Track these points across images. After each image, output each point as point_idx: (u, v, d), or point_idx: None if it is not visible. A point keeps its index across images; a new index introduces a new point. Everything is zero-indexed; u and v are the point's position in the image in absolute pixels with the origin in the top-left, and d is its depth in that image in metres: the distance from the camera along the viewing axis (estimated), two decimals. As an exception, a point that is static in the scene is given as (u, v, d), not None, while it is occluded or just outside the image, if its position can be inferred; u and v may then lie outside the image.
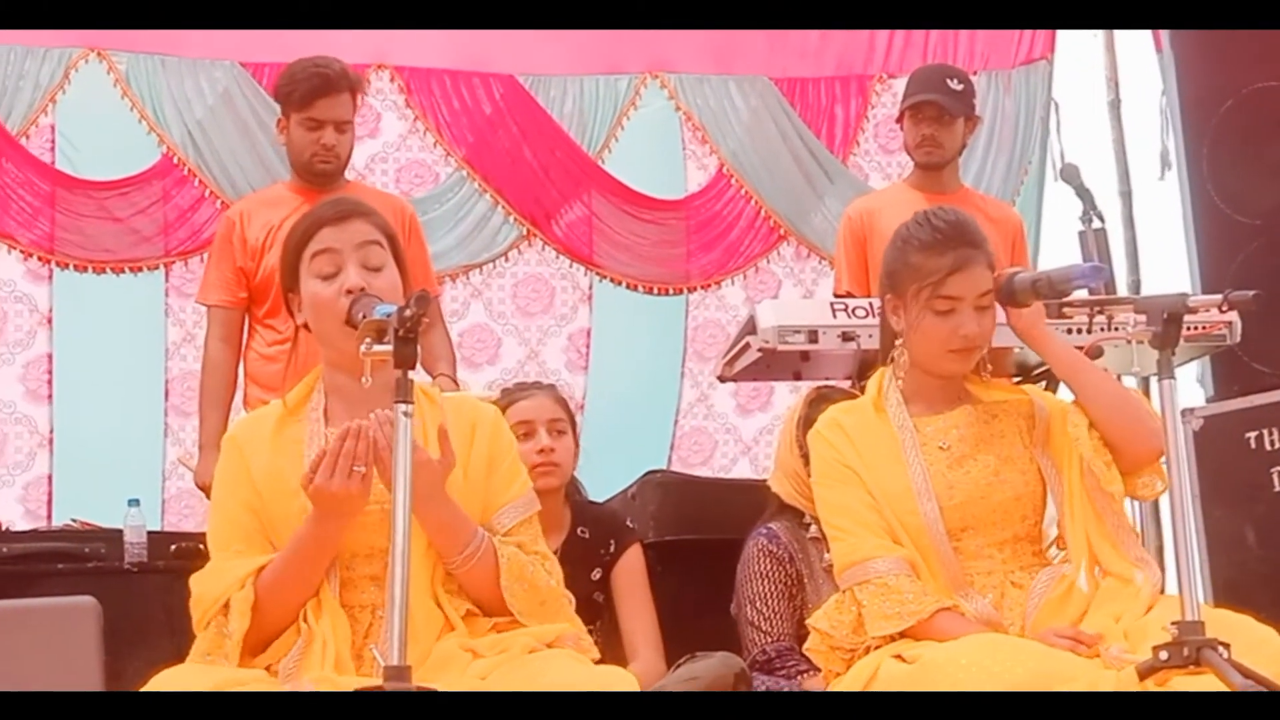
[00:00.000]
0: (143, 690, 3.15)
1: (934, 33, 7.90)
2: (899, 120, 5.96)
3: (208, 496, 5.24)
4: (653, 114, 7.76)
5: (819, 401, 4.45)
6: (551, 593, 3.42)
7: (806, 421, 4.41)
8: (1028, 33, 8.04)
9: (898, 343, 3.87)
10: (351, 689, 2.99)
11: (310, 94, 5.33)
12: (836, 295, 5.74)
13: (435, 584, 3.34)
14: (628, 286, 7.70)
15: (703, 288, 7.80)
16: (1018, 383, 4.87)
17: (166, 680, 3.19)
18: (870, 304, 4.96)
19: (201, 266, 6.13)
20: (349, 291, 3.36)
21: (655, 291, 7.73)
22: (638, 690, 3.20)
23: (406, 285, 3.46)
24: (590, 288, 7.68)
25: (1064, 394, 4.61)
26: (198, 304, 5.78)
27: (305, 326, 3.51)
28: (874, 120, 7.94)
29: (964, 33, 7.92)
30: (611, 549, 4.84)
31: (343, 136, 5.39)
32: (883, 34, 7.90)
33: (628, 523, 5.01)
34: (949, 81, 5.83)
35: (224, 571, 3.36)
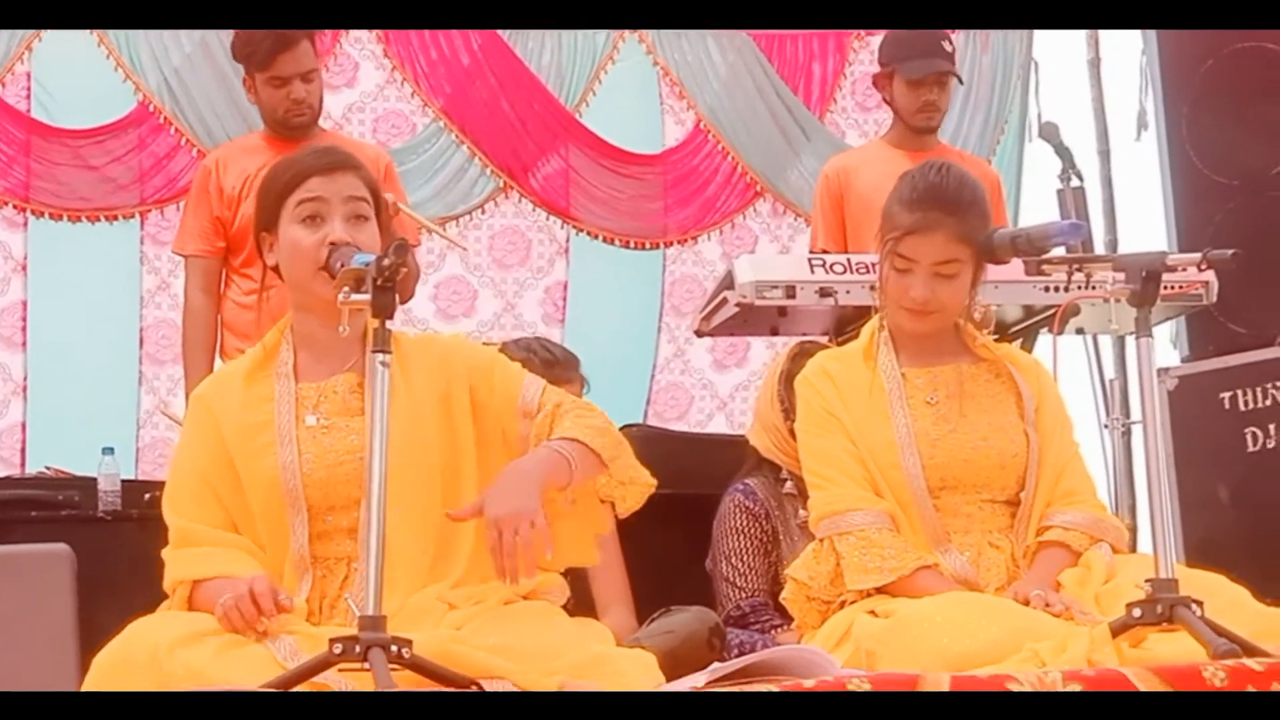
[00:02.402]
0: (117, 665, 3.13)
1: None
2: (884, 79, 5.83)
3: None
4: (630, 68, 7.73)
5: (801, 356, 4.45)
6: (616, 434, 3.47)
7: (788, 376, 4.42)
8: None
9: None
10: (327, 637, 2.99)
11: (270, 52, 5.29)
12: (813, 252, 5.73)
13: (410, 533, 3.33)
14: (604, 240, 7.68)
15: (679, 242, 7.78)
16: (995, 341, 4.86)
17: (139, 630, 3.18)
18: (848, 260, 4.96)
19: (177, 215, 6.10)
20: (333, 244, 3.35)
21: (632, 245, 7.72)
22: (612, 643, 3.22)
23: (385, 243, 3.46)
24: (567, 241, 7.66)
25: (1042, 350, 4.62)
26: (174, 254, 5.75)
27: (275, 269, 3.51)
28: (851, 77, 7.92)
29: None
30: (583, 506, 4.82)
31: (311, 86, 5.35)
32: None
33: (600, 480, 4.99)
34: (944, 44, 5.76)
35: (175, 561, 3.37)
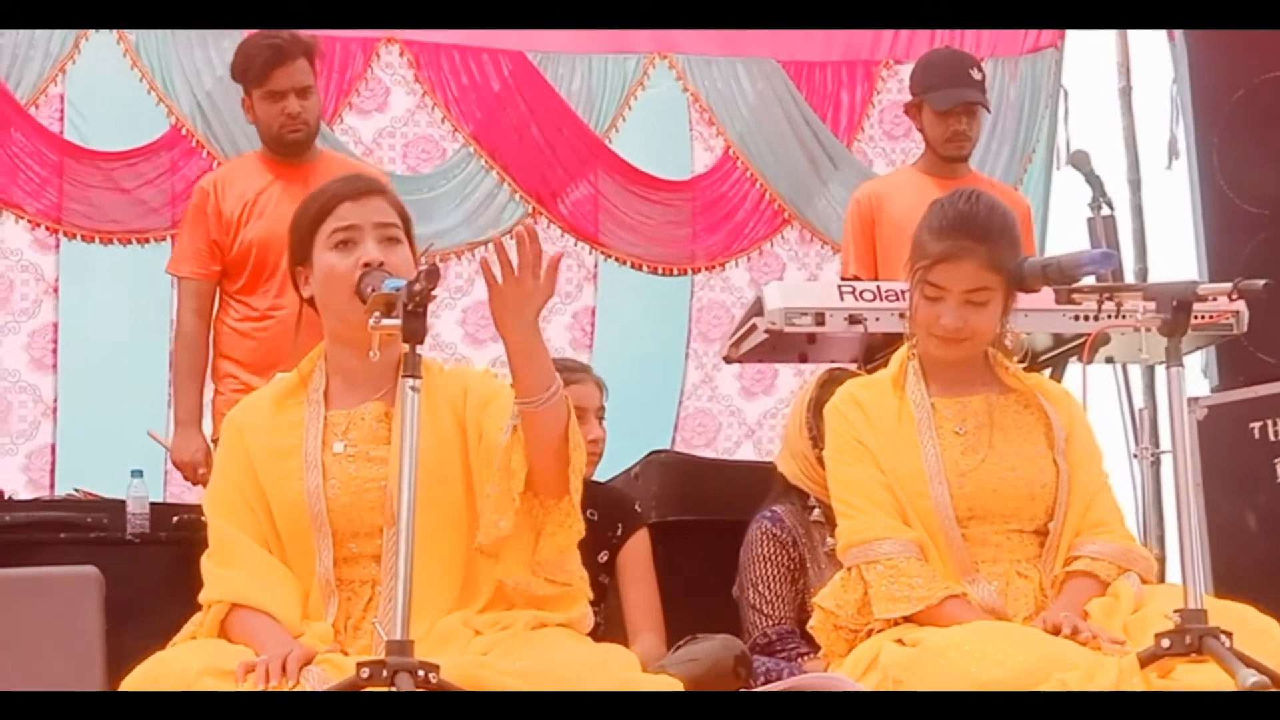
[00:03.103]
0: (144, 690, 3.14)
1: (942, 20, 7.86)
2: (914, 108, 5.86)
3: (184, 475, 5.27)
4: (660, 94, 7.73)
5: (830, 384, 4.44)
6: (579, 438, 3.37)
7: (817, 403, 4.42)
8: (1038, 20, 8.01)
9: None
10: (354, 662, 2.99)
11: (265, 67, 5.32)
12: (843, 278, 5.72)
13: (436, 559, 3.33)
14: (633, 266, 7.67)
15: (708, 269, 7.77)
16: (1025, 369, 4.86)
17: (167, 655, 3.20)
18: (878, 287, 4.96)
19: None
20: (367, 264, 3.36)
21: (660, 272, 7.71)
22: (637, 669, 3.21)
23: (416, 265, 3.47)
24: (595, 266, 7.66)
25: (1071, 379, 4.61)
26: (168, 273, 5.74)
27: (310, 302, 3.52)
28: (879, 106, 7.91)
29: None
30: (619, 532, 4.83)
31: (307, 102, 5.37)
32: (890, 20, 7.86)
33: (635, 507, 5.00)
34: (972, 73, 5.77)
35: (214, 579, 3.36)
